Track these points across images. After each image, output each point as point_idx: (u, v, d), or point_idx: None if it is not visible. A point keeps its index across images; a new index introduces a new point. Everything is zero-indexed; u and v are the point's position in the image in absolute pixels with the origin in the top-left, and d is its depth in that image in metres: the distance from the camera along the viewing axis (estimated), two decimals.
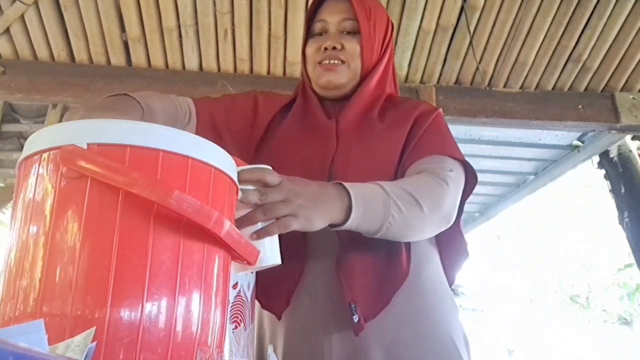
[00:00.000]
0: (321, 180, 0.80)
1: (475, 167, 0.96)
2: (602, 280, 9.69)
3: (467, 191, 0.95)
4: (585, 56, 2.24)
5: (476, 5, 2.05)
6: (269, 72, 2.21)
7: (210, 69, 2.17)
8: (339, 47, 0.98)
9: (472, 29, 2.10)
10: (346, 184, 0.78)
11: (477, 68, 2.23)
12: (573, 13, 2.10)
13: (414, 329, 0.87)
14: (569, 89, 2.37)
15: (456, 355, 0.88)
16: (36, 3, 1.92)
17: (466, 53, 2.19)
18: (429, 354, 0.86)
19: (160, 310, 0.46)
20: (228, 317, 0.60)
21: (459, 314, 0.95)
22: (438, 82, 2.30)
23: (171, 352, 0.46)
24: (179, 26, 2.01)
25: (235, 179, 0.59)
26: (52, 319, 0.44)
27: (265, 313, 0.92)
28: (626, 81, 2.35)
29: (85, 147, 0.48)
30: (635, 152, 2.59)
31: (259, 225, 0.69)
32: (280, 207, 0.69)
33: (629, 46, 2.22)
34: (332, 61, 0.97)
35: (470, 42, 2.13)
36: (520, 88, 2.34)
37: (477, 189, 0.98)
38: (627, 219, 2.51)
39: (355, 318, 0.83)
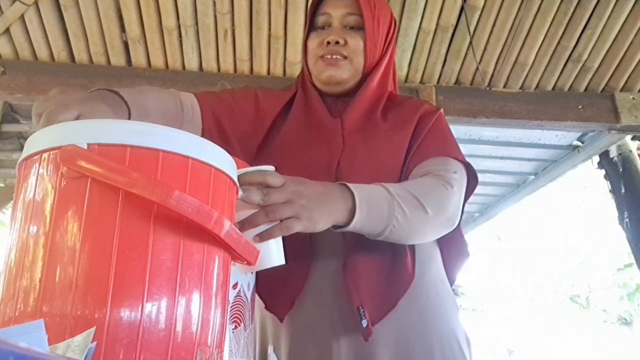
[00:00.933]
0: (327, 181, 0.80)
1: (475, 167, 0.96)
2: (602, 280, 9.69)
3: (468, 192, 0.95)
4: (585, 56, 2.24)
5: (476, 5, 2.05)
6: (268, 72, 2.21)
7: (210, 69, 2.17)
8: (342, 42, 0.96)
9: (472, 29, 2.10)
10: (350, 185, 0.77)
11: (477, 68, 2.23)
12: (573, 13, 2.10)
13: (418, 330, 0.87)
14: (569, 89, 2.37)
15: (460, 356, 0.88)
16: (36, 3, 1.92)
17: (466, 53, 2.19)
18: (434, 354, 0.85)
19: (160, 310, 0.46)
20: (228, 317, 0.60)
21: (459, 313, 0.95)
22: (438, 82, 2.30)
23: (171, 352, 0.46)
24: (179, 26, 2.02)
25: (236, 179, 0.58)
26: (52, 319, 0.44)
27: (268, 314, 0.91)
28: (626, 81, 2.35)
29: (85, 147, 0.48)
30: (635, 152, 2.59)
31: (261, 227, 0.68)
32: (282, 209, 0.69)
33: (629, 46, 2.22)
34: (334, 56, 0.96)
35: (470, 42, 2.13)
36: (520, 88, 2.34)
37: (477, 189, 0.98)
38: (627, 219, 2.51)
39: (364, 323, 0.82)
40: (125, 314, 0.45)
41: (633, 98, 2.37)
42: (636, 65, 2.29)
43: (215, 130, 0.94)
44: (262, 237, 0.68)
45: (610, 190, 2.63)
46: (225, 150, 0.57)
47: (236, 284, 0.71)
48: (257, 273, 0.78)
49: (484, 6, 2.06)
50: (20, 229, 0.49)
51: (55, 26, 1.99)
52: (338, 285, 0.86)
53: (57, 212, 0.47)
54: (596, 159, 2.69)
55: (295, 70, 2.18)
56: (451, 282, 0.98)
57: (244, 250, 0.55)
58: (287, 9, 1.99)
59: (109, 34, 2.02)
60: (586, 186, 8.16)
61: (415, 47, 2.17)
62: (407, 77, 2.27)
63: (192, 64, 2.14)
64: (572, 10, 2.09)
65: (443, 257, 0.98)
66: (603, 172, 2.67)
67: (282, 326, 0.89)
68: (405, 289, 0.86)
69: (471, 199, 0.98)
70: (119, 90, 0.76)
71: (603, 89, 2.37)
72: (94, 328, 0.43)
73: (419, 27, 2.10)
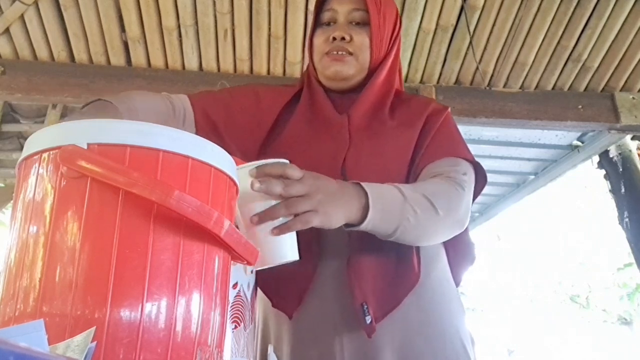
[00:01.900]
0: (333, 177, 0.79)
1: None
2: (601, 280, 9.69)
3: (477, 192, 0.94)
4: (585, 56, 2.24)
5: (476, 5, 2.05)
6: (268, 72, 2.21)
7: (210, 69, 2.17)
8: (347, 38, 0.95)
9: (472, 29, 2.10)
10: (364, 185, 0.77)
11: (477, 68, 2.23)
12: (573, 13, 2.10)
13: (423, 329, 0.87)
14: (568, 89, 2.36)
15: (464, 356, 0.87)
16: (36, 3, 1.92)
17: (466, 53, 2.19)
18: (438, 354, 0.85)
19: (160, 310, 0.46)
20: (228, 317, 0.60)
21: (465, 314, 0.95)
22: (438, 82, 2.30)
23: (171, 352, 0.46)
24: (179, 26, 2.01)
25: (235, 179, 0.58)
26: (52, 319, 0.44)
27: (270, 313, 0.91)
28: (626, 81, 2.35)
29: (85, 147, 0.48)
30: (635, 152, 2.59)
31: (276, 222, 0.68)
32: (302, 202, 0.68)
33: (629, 46, 2.22)
34: (340, 52, 0.95)
35: (470, 42, 2.13)
36: (520, 88, 2.34)
37: None
38: (627, 219, 2.51)
39: (368, 319, 0.82)
40: (125, 313, 0.45)
41: (633, 98, 2.37)
42: (636, 65, 2.29)
43: (208, 128, 0.93)
44: (282, 230, 0.67)
45: (610, 190, 2.63)
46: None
47: (236, 283, 0.71)
48: (260, 272, 0.77)
49: (484, 6, 2.06)
50: (20, 229, 0.49)
51: (55, 26, 1.99)
52: (343, 284, 0.86)
53: (57, 212, 0.47)
54: (596, 158, 2.69)
55: (295, 70, 2.18)
56: (457, 284, 0.98)
57: (244, 250, 0.55)
58: (287, 8, 1.99)
59: (109, 34, 2.02)
60: (586, 186, 8.16)
61: (415, 47, 2.17)
62: (407, 77, 2.27)
63: (192, 64, 2.14)
64: (572, 10, 2.09)
65: (449, 258, 0.98)
66: (603, 172, 2.67)
67: (286, 325, 0.89)
68: (410, 288, 0.86)
69: None
70: (107, 98, 0.78)
71: (603, 88, 2.37)
72: (93, 328, 0.43)
73: (419, 27, 2.10)
